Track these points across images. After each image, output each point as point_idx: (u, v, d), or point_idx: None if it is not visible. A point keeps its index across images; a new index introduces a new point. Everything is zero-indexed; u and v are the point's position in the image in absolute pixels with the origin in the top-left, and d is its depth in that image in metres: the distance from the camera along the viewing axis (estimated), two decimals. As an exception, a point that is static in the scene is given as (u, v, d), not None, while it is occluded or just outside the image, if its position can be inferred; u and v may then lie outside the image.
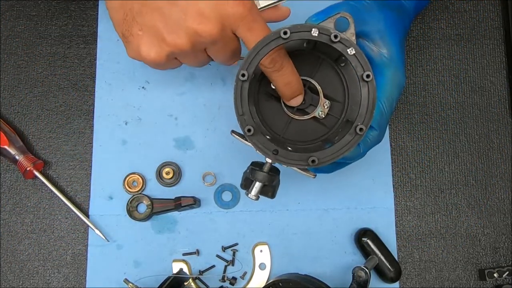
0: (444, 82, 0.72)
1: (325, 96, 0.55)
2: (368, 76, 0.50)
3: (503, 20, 0.73)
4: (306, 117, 0.55)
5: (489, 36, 0.73)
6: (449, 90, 0.72)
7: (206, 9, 0.50)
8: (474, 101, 0.71)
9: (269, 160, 0.52)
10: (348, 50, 0.49)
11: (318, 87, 0.55)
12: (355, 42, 0.52)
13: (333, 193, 0.68)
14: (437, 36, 0.73)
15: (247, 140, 0.51)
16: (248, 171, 0.54)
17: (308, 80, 0.55)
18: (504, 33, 0.73)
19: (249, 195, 0.53)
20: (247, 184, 0.54)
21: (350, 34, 0.53)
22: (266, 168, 0.53)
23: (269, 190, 0.54)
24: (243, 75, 0.49)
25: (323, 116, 0.55)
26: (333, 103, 0.55)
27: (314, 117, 0.55)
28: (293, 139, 0.56)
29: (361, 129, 0.49)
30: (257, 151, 0.51)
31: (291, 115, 0.55)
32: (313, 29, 0.49)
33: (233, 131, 0.56)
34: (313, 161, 0.49)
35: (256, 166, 0.54)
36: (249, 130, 0.50)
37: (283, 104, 0.55)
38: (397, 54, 0.58)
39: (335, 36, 0.49)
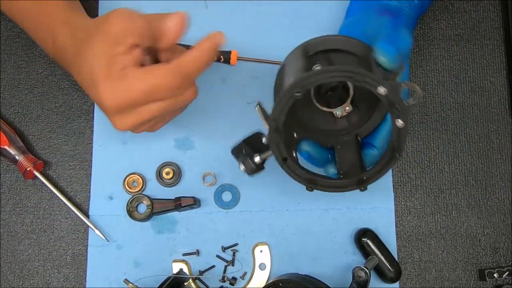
0: (444, 82, 0.72)
1: (352, 102, 0.55)
2: (397, 155, 0.52)
3: (503, 20, 0.73)
4: (325, 109, 0.56)
5: (489, 36, 0.73)
6: (449, 90, 0.72)
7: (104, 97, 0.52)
8: (474, 101, 0.71)
9: (264, 156, 0.53)
10: (398, 120, 0.49)
11: (351, 92, 0.55)
12: (409, 114, 0.51)
13: (333, 193, 0.68)
14: (437, 36, 0.73)
15: (266, 122, 0.51)
16: (243, 151, 0.54)
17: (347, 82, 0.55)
18: (504, 33, 0.73)
19: (239, 167, 0.55)
20: (236, 157, 0.56)
21: (411, 101, 0.51)
22: (257, 160, 0.53)
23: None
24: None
25: (339, 116, 0.55)
26: (356, 112, 0.56)
27: (332, 113, 0.56)
28: (315, 126, 0.57)
29: (362, 188, 0.53)
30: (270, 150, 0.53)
31: (314, 102, 0.56)
32: (382, 88, 0.48)
33: (258, 104, 0.54)
34: (311, 187, 0.54)
35: (251, 149, 0.54)
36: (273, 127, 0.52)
37: (312, 93, 0.57)
38: (407, 77, 0.58)
39: (397, 109, 0.48)
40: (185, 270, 0.66)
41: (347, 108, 0.55)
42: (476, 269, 0.68)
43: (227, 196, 0.68)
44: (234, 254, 0.67)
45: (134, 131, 0.58)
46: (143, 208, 0.67)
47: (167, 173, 0.68)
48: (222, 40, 0.53)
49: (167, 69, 0.52)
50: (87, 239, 0.67)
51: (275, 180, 0.68)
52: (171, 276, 0.63)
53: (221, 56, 0.69)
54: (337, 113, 0.56)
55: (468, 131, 0.71)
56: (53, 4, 0.59)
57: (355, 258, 0.67)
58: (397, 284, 0.67)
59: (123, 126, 0.54)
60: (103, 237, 0.67)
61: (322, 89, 0.56)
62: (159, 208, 0.67)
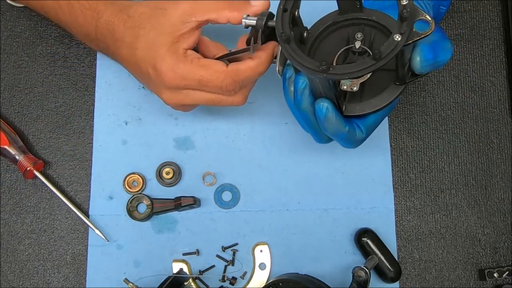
0: (444, 82, 0.72)
1: (362, 86, 0.54)
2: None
3: (503, 20, 0.73)
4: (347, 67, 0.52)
5: (489, 36, 0.73)
6: (449, 90, 0.72)
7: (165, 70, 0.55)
8: (474, 101, 0.71)
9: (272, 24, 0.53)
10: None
11: (368, 75, 0.53)
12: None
13: (333, 193, 0.68)
14: (437, 36, 0.72)
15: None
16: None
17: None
18: (504, 33, 0.73)
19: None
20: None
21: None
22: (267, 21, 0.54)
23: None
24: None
25: (343, 87, 0.53)
26: (357, 95, 0.55)
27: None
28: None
29: (377, 57, 0.47)
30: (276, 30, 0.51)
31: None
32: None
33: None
34: (323, 65, 0.47)
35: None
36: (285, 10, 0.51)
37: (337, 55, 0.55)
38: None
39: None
40: (185, 269, 0.66)
41: (355, 87, 0.53)
42: (476, 269, 0.68)
43: (227, 196, 0.68)
44: (234, 254, 0.67)
45: (175, 108, 0.60)
46: (143, 208, 0.67)
47: (167, 173, 0.68)
48: (278, 51, 0.56)
49: (224, 70, 0.55)
50: (87, 239, 0.67)
51: (275, 180, 0.69)
52: (171, 276, 0.63)
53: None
54: (344, 84, 0.53)
55: (468, 131, 0.71)
56: None
57: (355, 258, 0.67)
58: (397, 284, 0.67)
59: (171, 102, 0.58)
60: (103, 237, 0.67)
61: (345, 62, 0.55)
62: (159, 207, 0.67)
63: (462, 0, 0.73)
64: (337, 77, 0.47)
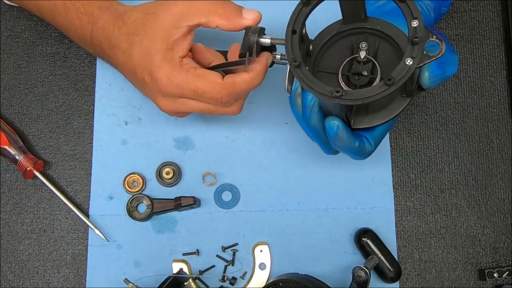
0: (444, 82, 0.72)
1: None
2: None
3: (503, 20, 0.73)
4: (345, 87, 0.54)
5: (489, 36, 0.73)
6: (449, 90, 0.72)
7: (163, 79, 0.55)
8: (474, 101, 0.71)
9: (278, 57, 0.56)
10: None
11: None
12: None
13: (333, 193, 0.68)
14: (437, 36, 0.73)
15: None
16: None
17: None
18: (504, 33, 0.73)
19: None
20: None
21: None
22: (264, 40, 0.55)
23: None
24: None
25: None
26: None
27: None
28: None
29: (390, 83, 0.47)
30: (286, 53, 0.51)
31: (340, 81, 0.54)
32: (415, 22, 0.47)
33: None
34: (337, 92, 0.47)
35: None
36: (294, 32, 0.51)
37: (340, 74, 0.55)
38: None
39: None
40: (185, 270, 0.66)
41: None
42: (476, 269, 0.68)
43: (227, 196, 0.68)
44: (234, 254, 0.67)
45: (171, 114, 0.61)
46: (143, 208, 0.67)
47: (167, 173, 0.68)
48: (271, 62, 0.57)
49: (220, 82, 0.55)
50: (87, 239, 0.67)
51: (275, 180, 0.69)
52: (171, 276, 0.63)
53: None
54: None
55: (468, 131, 0.71)
56: None
57: (355, 258, 0.67)
58: (397, 284, 0.67)
59: (166, 109, 0.58)
60: (103, 237, 0.67)
61: (351, 71, 0.55)
62: (159, 208, 0.67)
63: (462, 0, 0.73)
64: (350, 102, 0.48)
